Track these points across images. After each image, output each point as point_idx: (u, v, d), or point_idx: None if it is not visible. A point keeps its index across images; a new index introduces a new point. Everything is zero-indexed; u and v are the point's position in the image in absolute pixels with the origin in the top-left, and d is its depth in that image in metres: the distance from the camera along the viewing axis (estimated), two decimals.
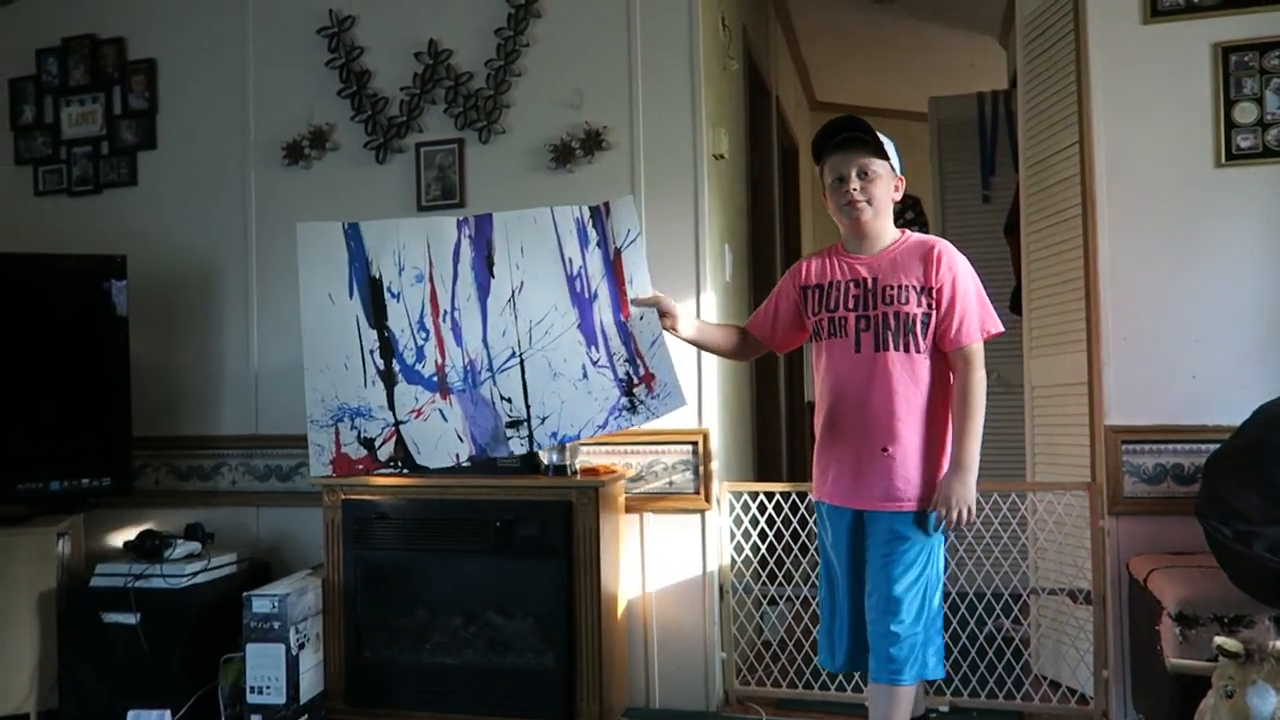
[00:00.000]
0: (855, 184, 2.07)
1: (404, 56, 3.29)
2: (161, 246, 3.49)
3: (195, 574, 3.00)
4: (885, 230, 2.13)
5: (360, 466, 2.05)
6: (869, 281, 2.09)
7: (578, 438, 2.13)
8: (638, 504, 3.03)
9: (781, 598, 3.13)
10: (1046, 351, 3.09)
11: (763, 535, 3.00)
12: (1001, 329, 2.08)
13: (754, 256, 3.96)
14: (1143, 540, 2.69)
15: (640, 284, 2.13)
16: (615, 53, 3.10)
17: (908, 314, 2.04)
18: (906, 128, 6.26)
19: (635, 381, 2.11)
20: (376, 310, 2.07)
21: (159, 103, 3.58)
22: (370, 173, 3.29)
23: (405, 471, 2.12)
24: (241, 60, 3.46)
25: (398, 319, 2.07)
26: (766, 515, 2.99)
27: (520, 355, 2.09)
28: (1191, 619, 2.19)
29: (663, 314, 2.14)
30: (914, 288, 2.05)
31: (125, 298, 3.25)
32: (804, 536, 2.92)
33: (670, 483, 3.01)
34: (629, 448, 3.05)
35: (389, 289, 2.08)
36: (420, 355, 2.08)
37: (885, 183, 2.10)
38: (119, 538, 3.38)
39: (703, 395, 2.98)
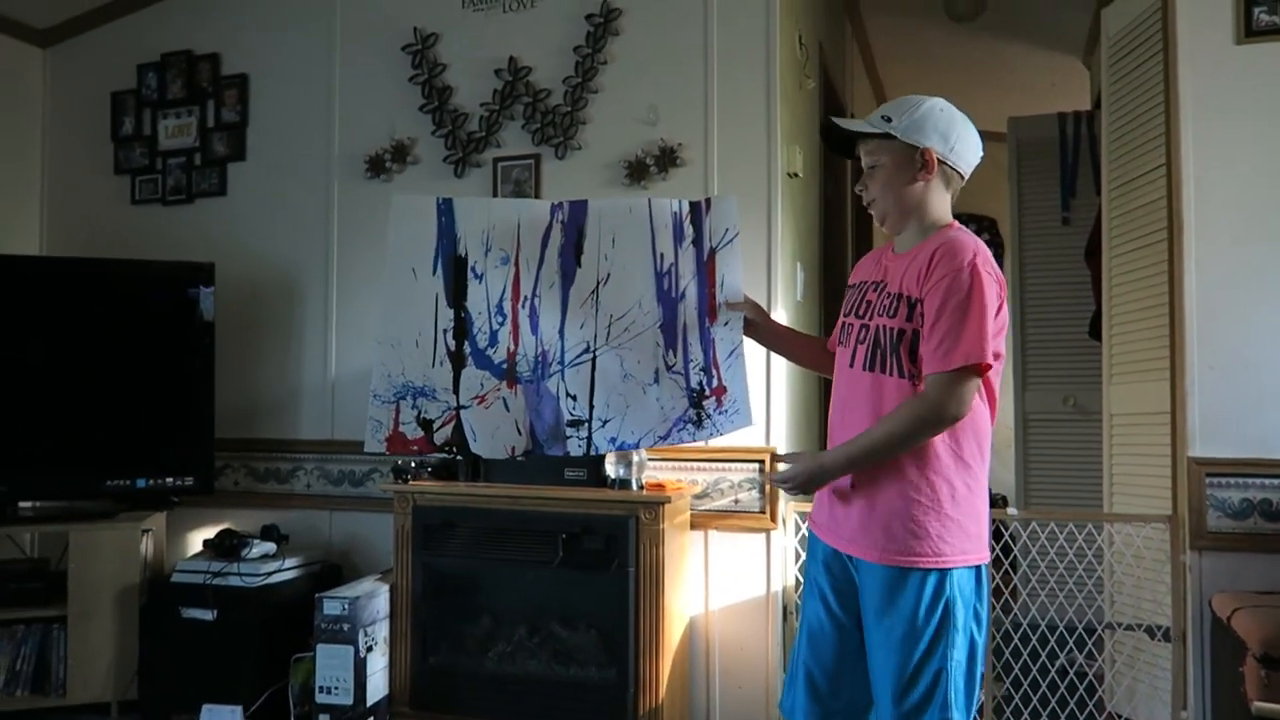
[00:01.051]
0: (862, 185, 1.82)
1: (484, 73, 3.35)
2: (247, 255, 3.61)
3: (270, 574, 3.08)
4: (915, 223, 1.78)
5: (415, 447, 2.01)
6: (883, 285, 1.77)
7: (636, 446, 2.05)
8: (702, 521, 3.02)
9: None
10: (1127, 379, 3.01)
11: None
12: (988, 361, 1.63)
13: (826, 276, 3.94)
14: (1226, 577, 2.60)
15: (732, 287, 2.02)
16: (691, 70, 3.12)
17: (895, 330, 1.70)
18: (985, 148, 6.19)
19: (706, 393, 2.02)
20: (457, 289, 2.02)
21: (249, 116, 3.71)
22: (449, 186, 3.36)
23: (459, 458, 2.08)
24: (328, 76, 3.57)
25: (477, 301, 2.02)
26: None
27: (594, 351, 2.02)
28: (1278, 661, 2.11)
29: (749, 320, 2.01)
30: (906, 299, 1.70)
31: (212, 303, 3.37)
32: None
33: (736, 500, 3.00)
34: (695, 464, 3.05)
35: (473, 269, 2.02)
36: (493, 340, 2.02)
37: (895, 172, 1.76)
38: (199, 536, 3.50)
39: (771, 414, 2.96)
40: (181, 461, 3.33)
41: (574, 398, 2.02)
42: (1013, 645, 2.81)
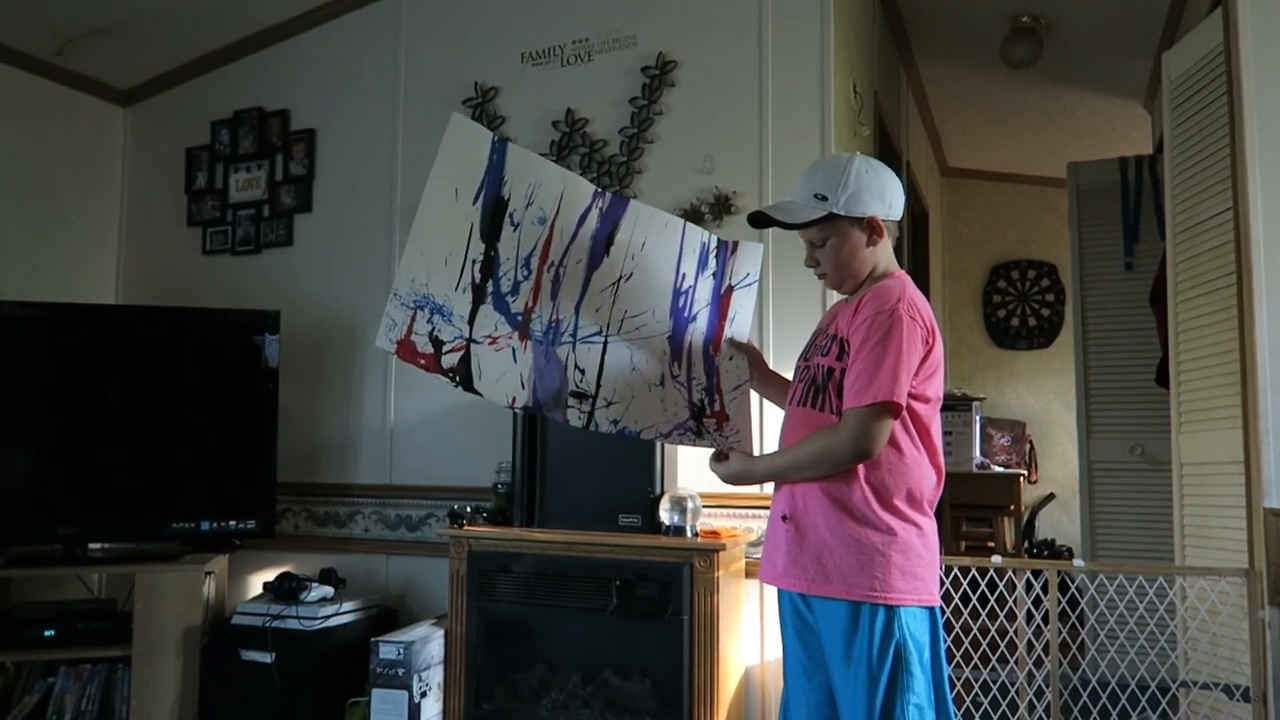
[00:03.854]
0: (811, 259, 1.90)
1: (542, 125, 3.43)
2: (311, 303, 3.71)
3: (328, 617, 3.11)
4: (865, 279, 1.87)
5: (422, 361, 1.97)
6: (828, 330, 1.89)
7: (638, 435, 2.03)
8: (758, 569, 2.98)
9: None
10: (1198, 427, 2.92)
11: None
12: (899, 401, 1.69)
13: None
14: None
15: (740, 327, 2.06)
16: (747, 119, 3.16)
17: (827, 368, 1.80)
18: (1043, 194, 6.14)
19: (707, 413, 2.02)
20: (492, 228, 1.99)
21: (316, 169, 3.83)
22: None
23: (460, 388, 1.98)
24: (392, 130, 3.68)
25: (508, 246, 2.00)
26: None
27: (606, 337, 2.02)
28: None
29: (751, 365, 2.06)
30: (839, 339, 1.80)
31: (277, 350, 3.45)
32: None
33: None
34: (749, 511, 3.03)
35: (511, 215, 2.00)
36: (515, 290, 2.00)
37: (840, 245, 1.84)
38: (259, 578, 3.55)
39: None
40: (244, 505, 3.40)
41: (582, 371, 2.01)
42: (1081, 703, 2.72)
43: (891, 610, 1.70)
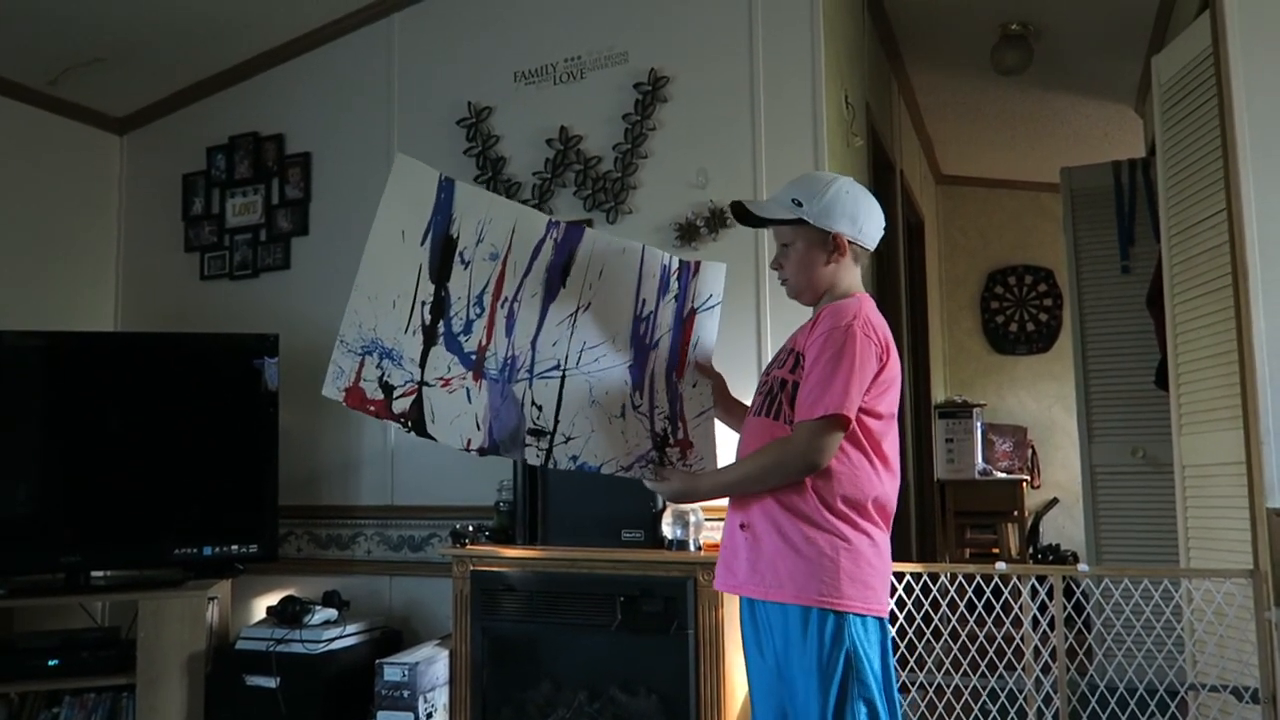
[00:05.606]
0: (776, 264, 1.92)
1: (536, 143, 3.44)
2: (310, 326, 3.69)
3: (332, 640, 3.10)
4: (826, 298, 1.89)
5: (372, 408, 1.94)
6: (788, 346, 1.91)
7: (598, 470, 2.00)
8: None
9: (914, 684, 3.00)
10: (1198, 429, 2.92)
11: (892, 617, 2.89)
12: (849, 415, 1.71)
13: None
14: None
15: (704, 350, 2.04)
16: (740, 133, 3.17)
17: (781, 380, 1.83)
18: (1038, 199, 6.16)
19: (670, 442, 2.00)
20: (442, 269, 1.96)
21: (312, 192, 3.85)
22: None
23: (411, 433, 1.95)
24: (386, 151, 3.70)
25: (459, 286, 1.97)
26: (896, 597, 2.89)
27: (564, 371, 1.99)
28: None
29: (715, 391, 2.06)
30: (796, 353, 1.83)
31: (276, 373, 3.46)
32: (936, 620, 2.81)
33: None
34: None
35: (461, 254, 1.97)
36: (468, 329, 1.97)
37: (805, 254, 1.86)
38: (262, 602, 3.54)
39: None
40: (246, 529, 3.39)
41: (539, 408, 1.98)
42: (1090, 708, 2.70)
43: (841, 617, 1.72)
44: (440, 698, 2.94)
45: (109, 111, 4.12)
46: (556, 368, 1.99)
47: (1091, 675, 2.79)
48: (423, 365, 1.95)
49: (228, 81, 4.02)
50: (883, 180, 4.22)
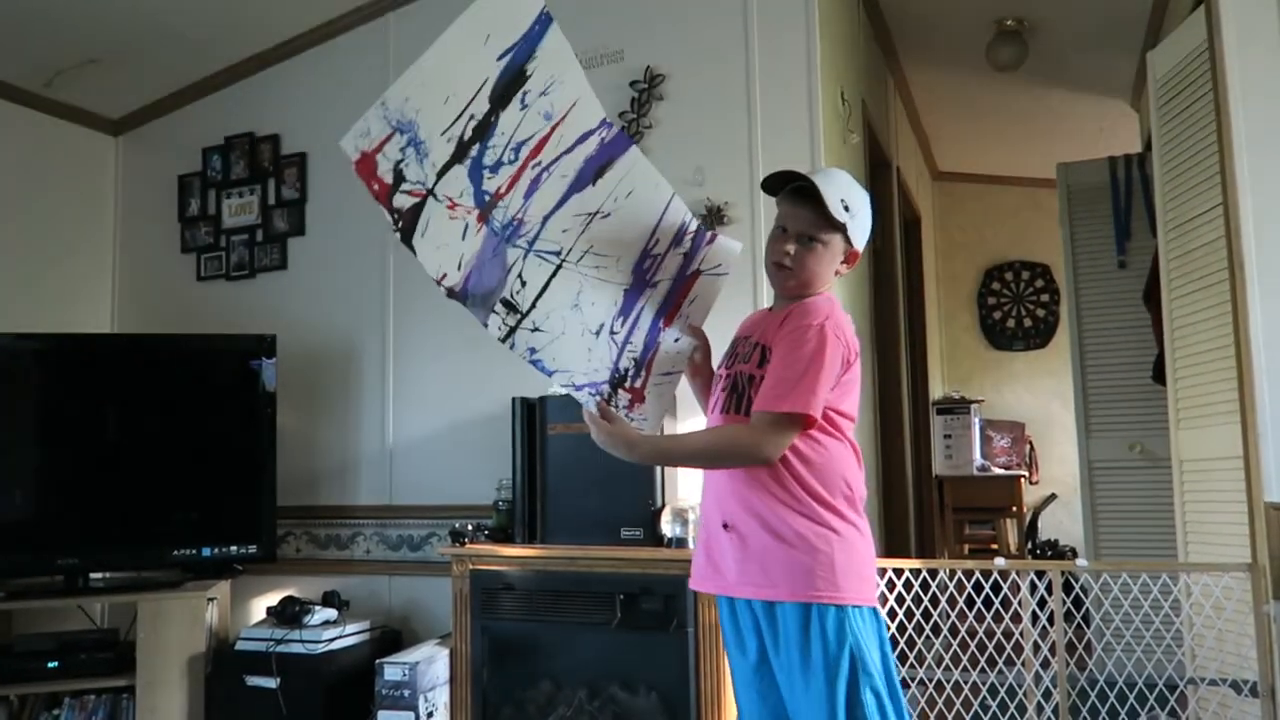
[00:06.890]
0: (791, 247, 1.82)
1: None
2: (307, 326, 3.71)
3: (331, 640, 3.10)
4: (806, 293, 1.87)
5: (375, 186, 1.86)
6: (752, 338, 1.87)
7: (549, 374, 1.93)
8: None
9: (913, 680, 3.00)
10: (1196, 423, 2.93)
11: (891, 614, 2.89)
12: (807, 411, 1.70)
13: (876, 328, 3.92)
14: None
15: (699, 310, 1.99)
16: (736, 131, 3.17)
17: (747, 375, 1.80)
18: (1034, 195, 6.16)
19: (626, 386, 1.94)
20: (504, 95, 1.86)
21: (308, 192, 3.84)
22: None
23: (398, 235, 1.87)
24: None
25: (508, 122, 1.87)
26: (896, 593, 2.89)
27: (562, 260, 1.92)
28: None
29: (696, 352, 2.01)
30: (762, 347, 1.81)
31: (274, 374, 3.45)
32: (935, 616, 2.81)
33: None
34: None
35: (524, 95, 1.87)
36: (495, 168, 1.88)
37: (828, 256, 1.83)
38: (262, 603, 3.54)
39: None
40: (245, 530, 3.39)
41: (523, 282, 1.91)
42: (1090, 702, 2.71)
43: (842, 610, 1.71)
44: (441, 697, 2.94)
45: (104, 113, 4.12)
46: (557, 254, 1.92)
47: (1091, 670, 2.80)
48: (440, 175, 1.87)
49: (223, 82, 4.01)
50: (879, 177, 4.22)
